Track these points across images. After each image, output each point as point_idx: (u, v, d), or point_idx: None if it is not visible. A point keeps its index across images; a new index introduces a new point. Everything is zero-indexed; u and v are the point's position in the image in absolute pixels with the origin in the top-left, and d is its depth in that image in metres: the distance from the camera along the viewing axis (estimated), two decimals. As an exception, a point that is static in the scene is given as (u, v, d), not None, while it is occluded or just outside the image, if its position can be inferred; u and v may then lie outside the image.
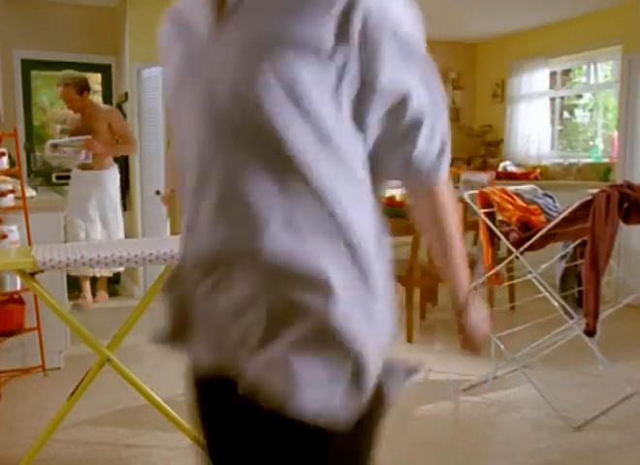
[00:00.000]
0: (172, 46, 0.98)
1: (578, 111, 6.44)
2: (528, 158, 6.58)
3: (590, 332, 2.56)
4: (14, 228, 2.99)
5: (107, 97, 5.84)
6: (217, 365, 0.92)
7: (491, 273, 2.90)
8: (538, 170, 6.27)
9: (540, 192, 3.22)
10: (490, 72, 7.29)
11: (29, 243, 3.08)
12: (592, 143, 6.17)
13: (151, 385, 2.64)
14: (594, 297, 2.53)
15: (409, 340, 3.88)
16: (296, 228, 0.79)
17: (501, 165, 6.58)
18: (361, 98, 0.82)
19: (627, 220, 2.72)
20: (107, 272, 4.81)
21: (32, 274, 1.88)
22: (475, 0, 5.52)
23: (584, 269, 2.58)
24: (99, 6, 5.59)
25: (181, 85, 0.92)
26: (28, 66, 5.48)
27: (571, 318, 2.79)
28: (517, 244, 2.75)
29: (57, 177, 5.66)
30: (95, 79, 5.81)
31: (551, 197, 3.15)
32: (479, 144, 7.31)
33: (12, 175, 3.30)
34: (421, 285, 4.01)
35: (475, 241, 4.68)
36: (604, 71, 6.10)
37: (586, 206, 2.58)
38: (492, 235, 2.91)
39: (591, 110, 6.30)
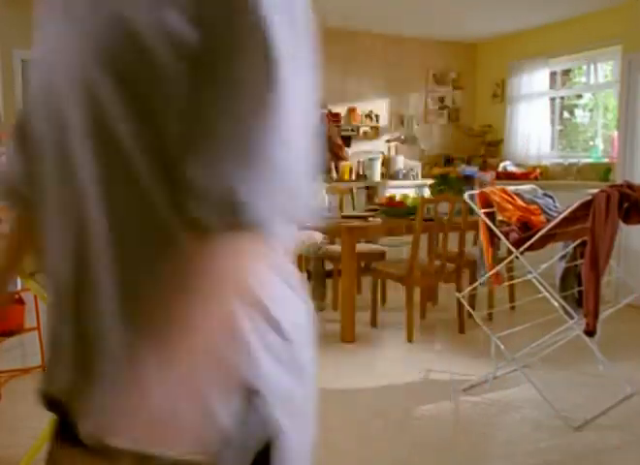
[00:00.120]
0: None
1: (578, 111, 6.44)
2: (528, 158, 6.59)
3: (590, 332, 2.56)
4: (14, 228, 2.99)
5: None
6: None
7: (491, 273, 2.90)
8: (538, 170, 6.27)
9: (540, 192, 3.22)
10: (490, 72, 7.29)
11: (29, 243, 3.08)
12: (592, 143, 6.17)
13: (151, 385, 2.64)
14: (594, 297, 2.54)
15: (409, 340, 3.88)
16: None
17: (501, 165, 6.58)
18: None
19: (627, 220, 2.72)
20: None
21: (32, 274, 1.88)
22: (475, 0, 5.52)
23: (584, 269, 2.58)
24: (99, 6, 5.59)
25: None
26: (28, 66, 5.48)
27: (571, 318, 2.79)
28: (517, 244, 2.75)
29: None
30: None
31: (551, 197, 3.15)
32: (479, 144, 7.32)
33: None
34: (421, 284, 4.01)
35: (475, 241, 4.69)
36: (604, 71, 6.11)
37: (586, 206, 2.58)
38: (492, 235, 2.91)
39: (591, 110, 6.31)
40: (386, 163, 6.90)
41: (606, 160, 5.89)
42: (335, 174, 4.85)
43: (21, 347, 3.28)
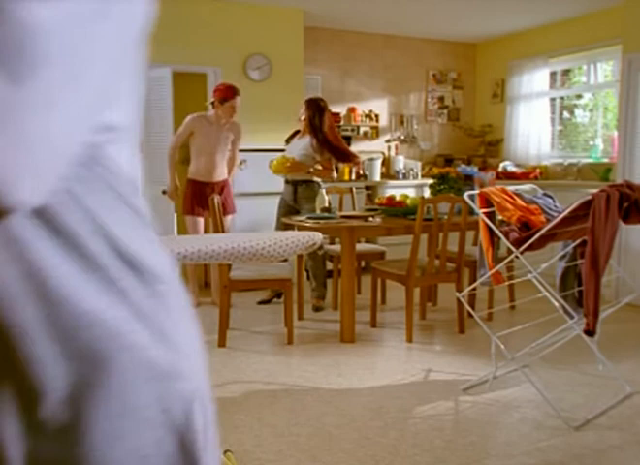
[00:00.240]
0: None
1: (578, 111, 6.44)
2: (528, 158, 6.59)
3: (590, 332, 2.56)
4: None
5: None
6: None
7: (491, 273, 2.90)
8: (538, 170, 6.27)
9: (540, 192, 3.22)
10: (490, 72, 7.29)
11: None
12: (592, 143, 6.17)
13: (151, 385, 2.64)
14: (595, 297, 2.53)
15: (409, 340, 3.88)
16: None
17: (501, 165, 6.58)
18: None
19: (627, 220, 2.72)
20: None
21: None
22: (475, 0, 5.52)
23: (584, 269, 2.58)
24: (99, 6, 5.59)
25: None
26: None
27: (571, 318, 2.79)
28: (517, 244, 2.75)
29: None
30: (95, 79, 5.81)
31: (551, 197, 3.15)
32: (479, 144, 7.32)
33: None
34: (421, 284, 4.01)
35: (475, 241, 4.69)
36: (604, 71, 6.10)
37: (586, 206, 2.58)
38: (492, 235, 2.91)
39: (591, 110, 6.30)
40: (386, 163, 6.90)
41: (606, 160, 5.89)
42: (335, 174, 4.85)
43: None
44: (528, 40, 6.67)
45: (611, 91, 6.00)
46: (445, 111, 7.36)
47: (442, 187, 4.42)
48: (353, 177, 6.56)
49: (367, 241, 5.26)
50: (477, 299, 4.50)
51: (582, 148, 6.29)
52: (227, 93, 4.53)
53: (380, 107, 6.98)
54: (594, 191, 2.60)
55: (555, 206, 3.05)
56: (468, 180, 4.47)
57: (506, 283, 3.09)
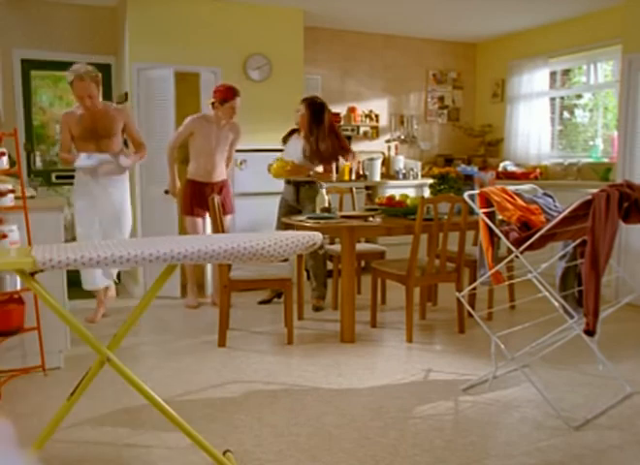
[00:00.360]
0: None
1: (578, 111, 6.44)
2: (528, 158, 6.59)
3: (590, 332, 2.56)
4: (14, 228, 2.99)
5: (107, 97, 5.83)
6: None
7: (491, 273, 2.90)
8: (538, 170, 6.27)
9: (540, 192, 3.22)
10: (490, 72, 7.29)
11: (29, 243, 3.08)
12: (591, 143, 6.17)
13: (151, 385, 2.64)
14: (595, 297, 2.53)
15: (409, 340, 3.88)
16: None
17: (501, 165, 6.58)
18: None
19: (627, 220, 2.72)
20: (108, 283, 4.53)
21: (32, 274, 1.88)
22: (475, 0, 5.52)
23: (584, 269, 2.58)
24: (99, 6, 5.60)
25: None
26: (28, 66, 5.48)
27: (571, 317, 2.79)
28: (517, 244, 2.75)
29: (57, 177, 5.67)
30: (95, 79, 5.81)
31: (551, 197, 3.15)
32: (479, 144, 7.32)
33: (12, 175, 3.30)
34: (421, 284, 4.01)
35: (475, 241, 4.69)
36: (604, 71, 6.10)
37: (586, 206, 2.58)
38: (492, 235, 2.91)
39: (591, 110, 6.30)
40: (386, 163, 6.90)
41: (606, 160, 5.89)
42: (335, 177, 4.85)
43: (21, 347, 3.28)
44: (528, 40, 6.67)
45: (611, 91, 6.00)
46: (445, 111, 7.36)
47: (442, 187, 4.42)
48: (353, 177, 6.56)
49: (367, 241, 5.26)
50: (477, 299, 4.50)
51: (582, 148, 6.29)
52: (227, 94, 4.52)
53: (380, 107, 6.98)
54: (594, 191, 2.59)
55: (555, 206, 3.05)
56: (468, 180, 4.47)
57: (506, 283, 3.09)
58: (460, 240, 3.98)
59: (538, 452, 2.37)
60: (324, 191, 4.76)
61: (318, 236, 2.00)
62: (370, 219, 4.08)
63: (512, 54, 6.86)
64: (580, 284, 3.06)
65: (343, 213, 4.33)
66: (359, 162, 6.67)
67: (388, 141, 6.99)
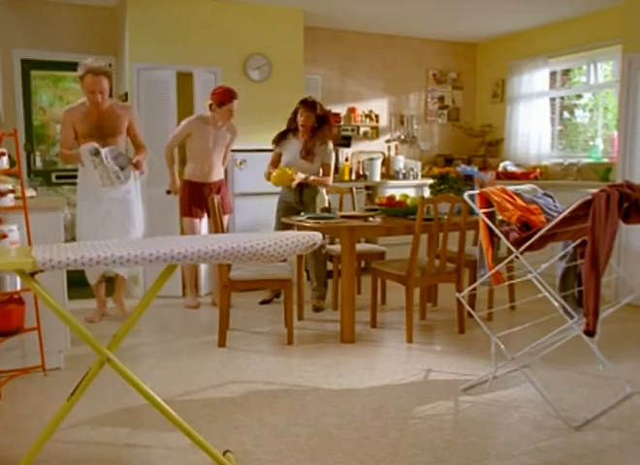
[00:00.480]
0: None
1: (578, 111, 6.44)
2: (528, 158, 6.59)
3: (590, 332, 2.56)
4: (14, 228, 2.99)
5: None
6: None
7: (491, 273, 2.90)
8: (538, 170, 6.27)
9: (540, 192, 3.22)
10: (490, 72, 7.29)
11: (29, 243, 3.08)
12: (592, 143, 6.17)
13: (151, 385, 2.64)
14: (595, 297, 2.53)
15: (409, 340, 3.88)
16: None
17: (501, 165, 6.58)
18: None
19: (627, 220, 2.72)
20: (124, 273, 4.43)
21: (32, 274, 1.88)
22: (475, 0, 5.52)
23: (584, 269, 2.58)
24: (99, 6, 5.60)
25: None
26: (28, 66, 5.49)
27: (571, 318, 2.79)
28: (517, 244, 2.75)
29: (57, 177, 5.67)
30: (95, 79, 5.80)
31: (551, 197, 3.15)
32: (479, 144, 7.32)
33: (12, 175, 3.29)
34: (421, 284, 4.01)
35: (475, 241, 4.69)
36: (604, 71, 6.10)
37: (586, 206, 2.58)
38: (492, 235, 2.91)
39: (591, 110, 6.30)
40: (386, 163, 6.90)
41: (606, 160, 5.89)
42: (330, 182, 4.84)
43: (21, 347, 3.28)
44: (528, 40, 6.67)
45: (611, 91, 6.00)
46: (445, 111, 7.36)
47: (442, 187, 4.42)
48: (353, 177, 6.56)
49: (367, 241, 5.26)
50: (477, 299, 4.50)
51: (582, 148, 6.29)
52: (225, 97, 4.51)
53: (380, 107, 6.98)
54: (594, 191, 2.59)
55: (555, 206, 3.05)
56: (468, 180, 4.47)
57: (506, 283, 3.08)
58: (460, 240, 3.98)
59: (538, 452, 2.37)
60: (324, 191, 4.76)
61: (318, 236, 2.00)
62: (370, 219, 4.08)
63: (512, 54, 6.86)
64: (580, 284, 3.06)
65: (343, 213, 4.32)
66: (359, 162, 6.67)
67: (388, 141, 6.99)
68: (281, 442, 2.47)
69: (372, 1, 5.55)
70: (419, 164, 6.83)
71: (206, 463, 2.26)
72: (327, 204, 4.56)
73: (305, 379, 3.22)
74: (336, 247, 4.71)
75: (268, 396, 2.97)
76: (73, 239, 5.28)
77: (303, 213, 4.43)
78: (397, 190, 6.10)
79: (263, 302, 4.95)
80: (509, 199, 2.84)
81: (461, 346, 3.80)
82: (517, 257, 2.79)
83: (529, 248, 2.72)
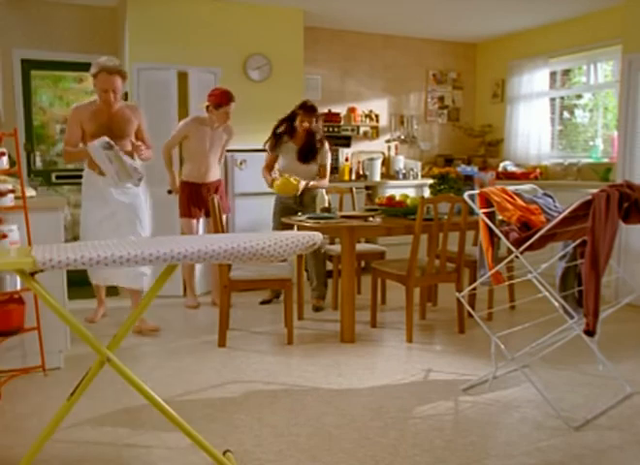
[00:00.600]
0: None
1: (578, 111, 6.44)
2: (528, 158, 6.59)
3: (590, 332, 2.56)
4: (14, 228, 2.99)
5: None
6: None
7: (491, 273, 2.90)
8: (538, 170, 6.27)
9: (540, 192, 3.22)
10: (490, 72, 7.29)
11: (29, 243, 3.08)
12: (592, 143, 6.17)
13: (151, 385, 2.64)
14: (595, 297, 2.53)
15: (409, 340, 3.88)
16: None
17: (501, 165, 6.58)
18: None
19: (627, 220, 2.72)
20: (134, 285, 4.06)
21: (32, 274, 1.88)
22: (475, 0, 5.52)
23: (584, 269, 2.58)
24: (99, 6, 5.60)
25: None
26: (28, 66, 5.48)
27: (571, 318, 2.79)
28: (517, 244, 2.75)
29: (57, 177, 5.67)
30: (95, 79, 5.81)
31: (551, 197, 3.15)
32: (479, 144, 7.32)
33: (12, 175, 3.29)
34: (421, 285, 4.01)
35: (475, 241, 4.69)
36: (604, 71, 6.10)
37: (586, 206, 2.58)
38: (492, 235, 2.91)
39: (591, 110, 6.30)
40: (386, 163, 6.90)
41: (606, 160, 5.89)
42: (326, 183, 4.83)
43: (21, 347, 3.28)
44: (528, 40, 6.67)
45: (611, 91, 6.00)
46: (445, 111, 7.36)
47: (442, 187, 4.42)
48: (353, 177, 6.56)
49: (367, 241, 5.26)
50: (477, 299, 4.50)
51: (582, 148, 6.29)
52: (222, 99, 4.50)
53: (380, 107, 6.98)
54: (594, 191, 2.59)
55: (555, 206, 3.05)
56: (468, 180, 4.47)
57: (506, 283, 3.08)
58: (460, 240, 3.98)
59: (538, 452, 2.37)
60: (324, 191, 4.76)
61: (318, 236, 2.00)
62: (370, 219, 4.08)
63: (512, 54, 6.86)
64: (580, 284, 3.06)
65: (343, 213, 4.33)
66: (359, 162, 6.67)
67: (388, 141, 6.99)
68: (281, 442, 2.47)
69: (372, 1, 5.55)
70: (419, 164, 6.83)
71: (206, 463, 2.26)
72: (327, 204, 4.55)
73: (305, 379, 3.22)
74: (336, 247, 4.71)
75: (268, 396, 2.97)
76: (73, 239, 5.28)
77: (300, 214, 4.44)
78: (397, 190, 6.10)
79: (263, 302, 4.95)
80: (509, 199, 2.84)
81: (461, 346, 3.80)
82: (517, 257, 2.79)
83: (529, 248, 2.72)
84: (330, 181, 4.97)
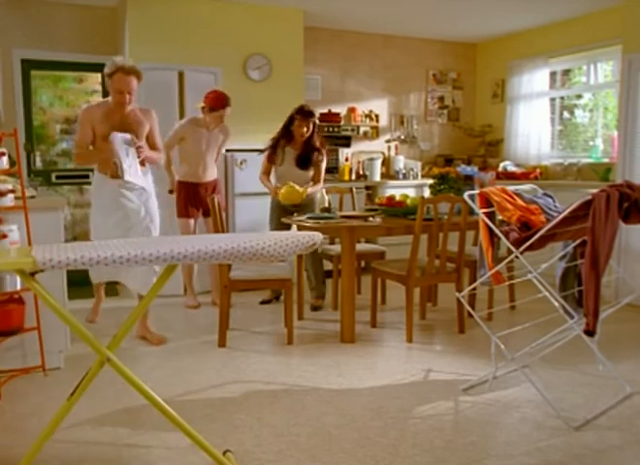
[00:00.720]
0: None
1: (578, 111, 6.44)
2: (528, 158, 6.59)
3: (590, 332, 2.56)
4: (14, 228, 2.99)
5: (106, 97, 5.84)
6: None
7: (491, 273, 2.90)
8: (538, 170, 6.27)
9: (540, 192, 3.22)
10: (490, 72, 7.29)
11: (29, 243, 3.08)
12: (592, 143, 6.17)
13: (151, 385, 2.64)
14: (595, 297, 2.53)
15: (409, 340, 3.88)
16: None
17: (501, 165, 6.58)
18: None
19: (627, 220, 2.72)
20: (141, 289, 3.86)
21: (32, 274, 1.88)
22: (475, 0, 5.52)
23: (584, 269, 2.58)
24: (99, 6, 5.60)
25: None
26: (28, 66, 5.48)
27: (571, 318, 2.79)
28: (517, 244, 2.75)
29: (57, 177, 5.67)
30: (95, 79, 5.81)
31: (551, 197, 3.15)
32: (479, 144, 7.32)
33: (12, 175, 3.30)
34: (421, 285, 4.01)
35: (475, 241, 4.69)
36: (604, 71, 6.10)
37: (586, 206, 2.58)
38: (492, 235, 2.91)
39: (591, 110, 6.30)
40: (386, 163, 6.90)
41: (606, 160, 5.89)
42: (320, 186, 4.82)
43: (21, 347, 3.28)
44: (528, 40, 6.67)
45: (611, 91, 6.00)
46: (445, 111, 7.36)
47: (442, 187, 4.41)
48: (353, 177, 6.56)
49: (367, 241, 5.26)
50: (477, 299, 4.50)
51: (582, 148, 6.29)
52: (217, 103, 4.49)
53: (380, 107, 6.98)
54: (594, 191, 2.59)
55: (555, 206, 3.05)
56: (468, 180, 4.47)
57: (506, 283, 3.08)
58: (460, 240, 3.98)
59: (538, 452, 2.37)
60: (324, 191, 4.76)
61: (318, 236, 2.00)
62: (370, 219, 4.08)
63: (512, 54, 6.86)
64: (580, 284, 3.06)
65: (343, 213, 4.32)
66: (359, 162, 6.67)
67: (388, 141, 6.99)
68: (281, 442, 2.47)
69: (372, 1, 5.55)
70: (419, 164, 6.83)
71: (206, 463, 2.26)
72: (327, 204, 4.55)
73: (305, 379, 3.22)
74: (336, 247, 4.71)
75: (268, 396, 2.97)
76: (73, 239, 5.28)
77: (296, 214, 4.44)
78: (397, 190, 6.10)
79: (263, 302, 4.95)
80: (509, 199, 2.84)
81: (461, 346, 3.80)
82: (517, 257, 2.79)
83: (529, 248, 2.72)
84: (330, 181, 4.97)
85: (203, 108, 4.56)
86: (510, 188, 2.97)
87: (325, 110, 6.57)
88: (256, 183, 5.22)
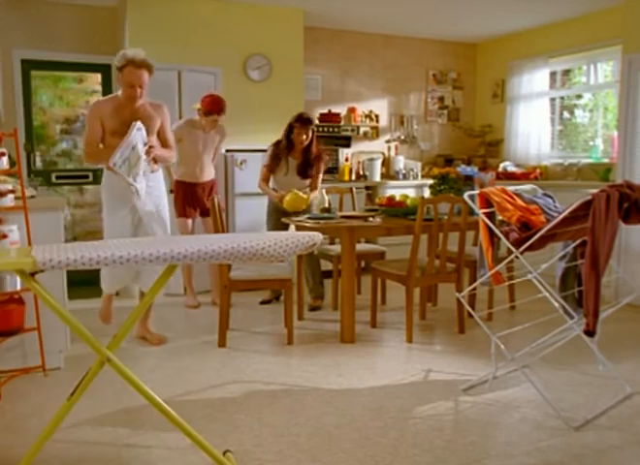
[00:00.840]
0: None
1: (578, 111, 6.44)
2: (528, 158, 6.59)
3: (590, 332, 2.56)
4: (14, 228, 2.99)
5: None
6: None
7: (491, 273, 2.90)
8: (538, 171, 6.27)
9: (540, 192, 3.22)
10: (490, 72, 7.29)
11: (29, 243, 3.08)
12: (592, 143, 6.17)
13: (151, 385, 2.64)
14: (595, 297, 2.53)
15: (409, 340, 3.88)
16: None
17: (501, 165, 6.58)
18: None
19: (627, 220, 2.72)
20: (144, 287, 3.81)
21: (32, 274, 1.88)
22: (475, 0, 5.52)
23: (584, 269, 2.58)
24: (99, 6, 5.60)
25: None
26: (28, 66, 5.48)
27: (571, 318, 2.79)
28: (517, 244, 2.75)
29: (57, 177, 5.67)
30: (95, 79, 5.81)
31: (551, 197, 3.15)
32: (479, 145, 7.32)
33: (12, 175, 3.30)
34: (421, 285, 4.01)
35: (475, 241, 4.69)
36: (604, 71, 6.10)
37: (586, 206, 2.58)
38: (492, 235, 2.91)
39: (591, 110, 6.30)
40: (386, 163, 6.90)
41: (606, 160, 5.89)
42: (317, 193, 4.81)
43: (21, 347, 3.28)
44: (528, 40, 6.67)
45: (611, 91, 6.00)
46: (445, 112, 7.36)
47: (442, 187, 4.42)
48: (353, 177, 6.56)
49: (367, 241, 5.26)
50: (477, 299, 4.50)
51: (582, 148, 6.29)
52: (212, 108, 4.50)
53: (380, 107, 6.98)
54: (594, 191, 2.59)
55: (555, 206, 3.05)
56: (468, 180, 4.47)
57: (506, 283, 3.08)
58: (460, 241, 3.98)
59: (538, 452, 2.37)
60: (324, 191, 4.76)
61: (318, 236, 2.00)
62: (370, 219, 4.08)
63: (512, 54, 6.86)
64: (580, 284, 3.06)
65: (343, 213, 4.32)
66: (359, 162, 6.67)
67: (388, 142, 6.99)
68: (281, 442, 2.47)
69: (372, 1, 5.55)
70: (419, 164, 6.83)
71: (206, 463, 2.26)
72: (327, 205, 4.55)
73: (305, 379, 3.22)
74: (336, 247, 4.71)
75: (268, 396, 2.97)
76: (73, 239, 5.28)
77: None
78: (397, 190, 6.11)
79: (263, 302, 4.95)
80: (509, 199, 2.84)
81: (461, 346, 3.80)
82: (517, 257, 2.79)
83: (529, 248, 2.72)
84: (330, 181, 4.97)
85: (199, 109, 4.58)
86: (510, 188, 2.97)
87: (325, 111, 6.57)
88: (256, 183, 5.23)
